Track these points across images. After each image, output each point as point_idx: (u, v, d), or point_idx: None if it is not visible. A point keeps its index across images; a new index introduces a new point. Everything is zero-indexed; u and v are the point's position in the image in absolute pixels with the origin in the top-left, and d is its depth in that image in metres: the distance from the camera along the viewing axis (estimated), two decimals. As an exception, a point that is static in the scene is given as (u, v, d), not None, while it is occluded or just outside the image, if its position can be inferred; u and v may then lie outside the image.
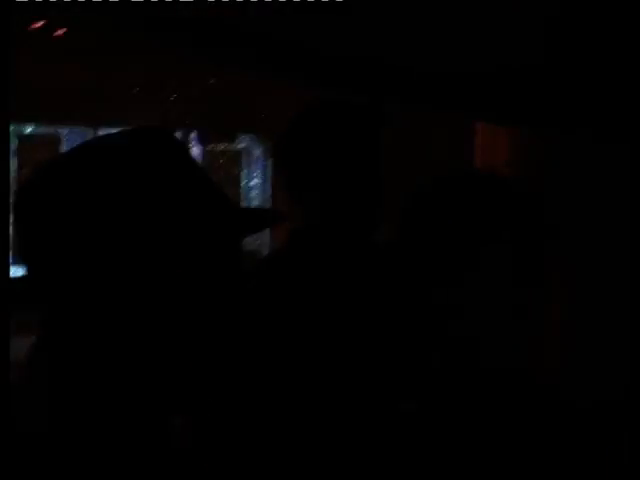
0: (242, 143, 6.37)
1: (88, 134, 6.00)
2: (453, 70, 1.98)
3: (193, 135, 6.00)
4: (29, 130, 7.32)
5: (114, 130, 0.84)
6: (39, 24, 4.29)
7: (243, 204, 5.92)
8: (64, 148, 6.69)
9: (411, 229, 1.12)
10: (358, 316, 1.48)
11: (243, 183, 6.60)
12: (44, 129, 7.25)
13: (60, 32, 4.22)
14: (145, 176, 0.70)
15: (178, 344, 0.70)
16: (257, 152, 6.48)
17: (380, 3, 1.79)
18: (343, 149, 1.49)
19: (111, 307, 0.69)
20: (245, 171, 6.63)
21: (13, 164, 7.15)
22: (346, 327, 1.47)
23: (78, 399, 0.70)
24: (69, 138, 6.87)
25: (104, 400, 0.71)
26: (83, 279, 0.68)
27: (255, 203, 6.39)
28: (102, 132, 4.82)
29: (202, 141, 5.94)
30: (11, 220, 0.76)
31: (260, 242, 5.08)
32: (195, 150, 5.99)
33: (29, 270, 0.72)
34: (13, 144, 7.30)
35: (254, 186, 6.62)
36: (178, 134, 4.93)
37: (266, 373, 1.42)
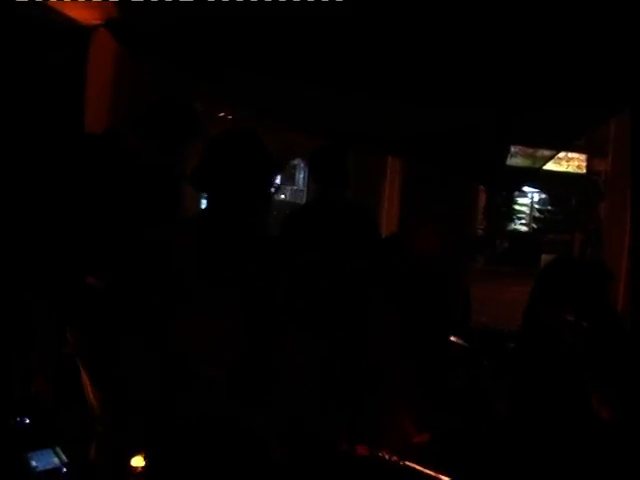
0: (296, 161, 16.22)
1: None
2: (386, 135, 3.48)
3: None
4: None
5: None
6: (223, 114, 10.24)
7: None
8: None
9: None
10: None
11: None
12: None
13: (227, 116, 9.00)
14: (244, 147, 2.09)
15: None
16: (301, 164, 16.67)
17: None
18: (335, 163, 3.62)
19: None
20: (298, 173, 17.29)
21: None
22: None
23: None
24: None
25: None
26: (227, 183, 2.06)
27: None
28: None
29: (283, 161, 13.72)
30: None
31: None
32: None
33: (201, 170, 2.11)
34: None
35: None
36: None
37: None
